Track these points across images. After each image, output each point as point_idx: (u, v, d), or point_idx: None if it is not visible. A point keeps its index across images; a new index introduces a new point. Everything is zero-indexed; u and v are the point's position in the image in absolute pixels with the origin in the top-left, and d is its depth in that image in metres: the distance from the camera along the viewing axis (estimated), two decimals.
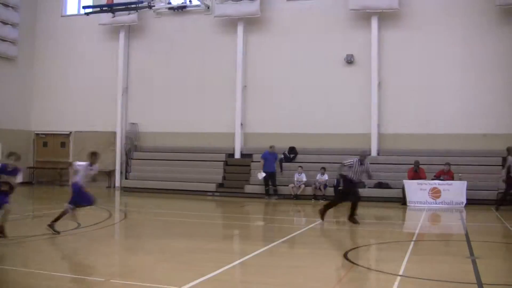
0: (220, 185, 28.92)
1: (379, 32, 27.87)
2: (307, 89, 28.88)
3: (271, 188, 26.80)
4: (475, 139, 26.19)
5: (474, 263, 10.97)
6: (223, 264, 10.42)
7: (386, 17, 27.82)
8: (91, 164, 14.27)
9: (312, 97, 28.75)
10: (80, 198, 14.13)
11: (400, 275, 9.80)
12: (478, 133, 26.18)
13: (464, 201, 23.29)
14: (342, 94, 28.36)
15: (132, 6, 30.28)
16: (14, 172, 12.40)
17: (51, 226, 13.58)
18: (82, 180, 14.13)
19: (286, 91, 29.28)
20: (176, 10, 31.18)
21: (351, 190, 17.57)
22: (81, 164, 14.30)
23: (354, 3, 27.90)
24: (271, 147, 27.11)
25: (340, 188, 18.17)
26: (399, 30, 27.81)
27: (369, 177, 18.29)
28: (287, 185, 27.00)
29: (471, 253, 12.20)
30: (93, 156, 14.43)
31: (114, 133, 32.15)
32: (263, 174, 26.59)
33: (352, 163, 17.33)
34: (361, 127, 27.87)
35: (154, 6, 30.17)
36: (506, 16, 26.16)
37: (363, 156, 17.65)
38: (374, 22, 27.86)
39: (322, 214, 17.56)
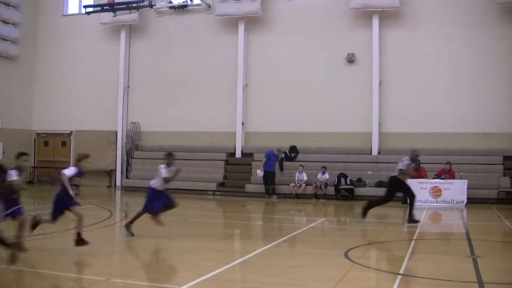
0: (221, 184, 28.94)
1: (380, 31, 27.87)
2: (308, 88, 28.89)
3: (270, 187, 26.77)
4: (476, 138, 26.20)
5: (474, 262, 10.96)
6: (224, 264, 10.43)
7: (387, 16, 27.80)
8: (168, 166, 14.08)
9: (313, 96, 28.76)
10: (149, 204, 14.04)
11: (400, 274, 9.81)
12: (479, 132, 26.18)
13: (465, 200, 23.32)
14: (343, 93, 28.35)
15: (133, 5, 30.34)
16: (83, 174, 11.85)
17: (128, 226, 13.93)
18: (159, 183, 13.96)
19: (287, 90, 29.27)
20: (177, 9, 31.22)
21: (399, 188, 17.51)
22: (162, 167, 14.03)
23: (355, 2, 27.88)
24: (279, 150, 27.14)
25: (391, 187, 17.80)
26: (400, 29, 27.80)
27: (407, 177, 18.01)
28: (288, 184, 27.00)
29: (472, 252, 12.21)
30: (169, 157, 14.29)
31: (115, 133, 32.17)
32: (262, 173, 26.60)
33: (407, 164, 17.19)
34: (362, 126, 27.89)
35: (155, 5, 30.24)
36: (507, 14, 26.14)
37: (415, 155, 17.56)
38: (375, 21, 27.85)
39: (412, 218, 17.23)
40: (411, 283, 9.41)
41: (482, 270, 10.09)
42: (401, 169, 17.17)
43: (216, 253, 12.07)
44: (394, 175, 17.51)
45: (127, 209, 21.52)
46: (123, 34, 32.41)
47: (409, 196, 17.71)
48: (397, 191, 17.54)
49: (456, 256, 11.99)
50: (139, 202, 14.06)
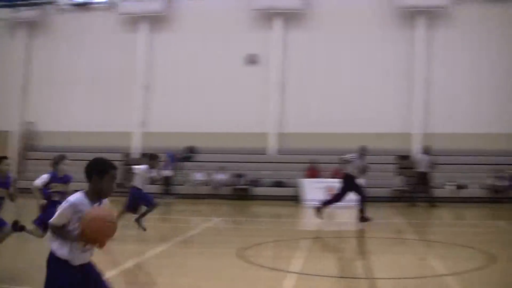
0: (119, 185, 28.27)
1: (284, 32, 28.16)
2: (211, 88, 28.84)
3: (166, 188, 26.49)
4: (372, 138, 26.67)
5: (367, 258, 11.10)
6: (117, 266, 10.20)
7: (290, 17, 28.07)
8: (151, 167, 14.17)
9: (215, 96, 28.73)
10: (138, 201, 14.15)
11: (294, 272, 9.82)
12: (374, 133, 26.69)
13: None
14: (245, 93, 28.41)
15: (33, 1, 29.50)
16: (66, 178, 11.38)
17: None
18: (141, 184, 14.04)
19: (190, 90, 29.12)
20: (79, 7, 30.50)
21: (352, 186, 17.32)
22: (140, 167, 14.13)
23: (257, 3, 28.03)
24: (179, 151, 27.05)
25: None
26: (303, 30, 28.17)
27: (362, 173, 17.99)
28: (185, 185, 26.80)
29: (366, 249, 12.39)
30: (154, 159, 14.39)
31: (10, 133, 31.05)
32: (165, 173, 26.34)
33: (353, 157, 17.30)
34: (262, 126, 28.01)
35: (55, 1, 29.46)
36: (405, 18, 26.99)
37: (364, 150, 17.64)
38: (279, 22, 28.18)
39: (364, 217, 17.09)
40: (303, 281, 9.41)
41: (375, 266, 10.23)
42: (356, 166, 17.30)
43: (110, 255, 11.76)
44: (349, 173, 17.54)
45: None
46: (22, 31, 31.31)
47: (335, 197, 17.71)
48: (353, 184, 17.47)
49: (349, 253, 12.16)
50: (26, 204, 13.43)
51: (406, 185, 24.91)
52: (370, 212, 21.39)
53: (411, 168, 24.73)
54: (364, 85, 27.42)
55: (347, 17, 27.85)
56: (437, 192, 23.79)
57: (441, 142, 25.83)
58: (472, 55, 27.30)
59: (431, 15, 27.48)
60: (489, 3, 27.19)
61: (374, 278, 9.39)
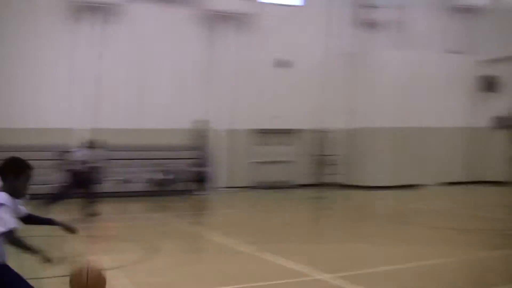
0: None
1: None
2: None
3: None
4: (30, 133, 25.85)
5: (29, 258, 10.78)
6: None
7: None
8: None
9: None
10: None
11: None
12: (32, 128, 25.87)
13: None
14: None
15: None
16: None
17: None
18: None
19: None
20: None
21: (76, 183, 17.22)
22: None
23: None
24: None
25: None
26: None
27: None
28: None
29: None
30: None
31: None
32: None
33: (77, 151, 17.42)
34: None
35: None
36: (80, 13, 26.85)
37: (93, 143, 17.72)
38: None
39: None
40: None
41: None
42: (83, 161, 17.50)
43: None
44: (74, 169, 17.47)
45: None
46: None
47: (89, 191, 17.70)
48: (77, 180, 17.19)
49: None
50: None
51: (68, 181, 24.52)
52: (33, 211, 20.83)
53: (73, 163, 24.44)
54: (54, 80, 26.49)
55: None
56: (102, 187, 23.86)
57: (107, 137, 25.90)
58: (143, 51, 27.79)
59: (103, 11, 27.30)
60: (162, 2, 27.92)
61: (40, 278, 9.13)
